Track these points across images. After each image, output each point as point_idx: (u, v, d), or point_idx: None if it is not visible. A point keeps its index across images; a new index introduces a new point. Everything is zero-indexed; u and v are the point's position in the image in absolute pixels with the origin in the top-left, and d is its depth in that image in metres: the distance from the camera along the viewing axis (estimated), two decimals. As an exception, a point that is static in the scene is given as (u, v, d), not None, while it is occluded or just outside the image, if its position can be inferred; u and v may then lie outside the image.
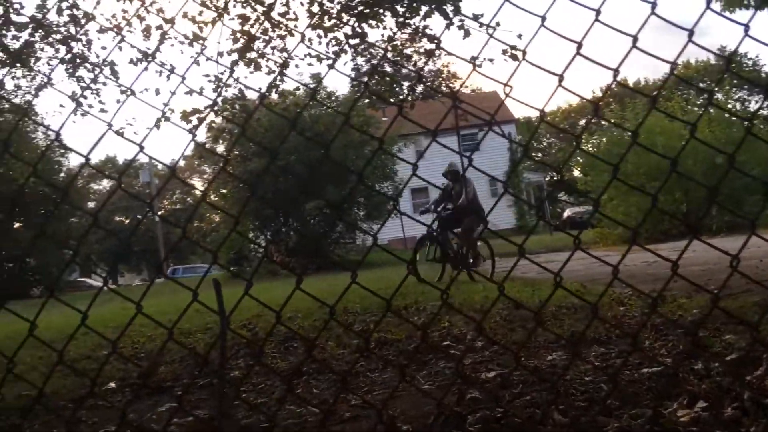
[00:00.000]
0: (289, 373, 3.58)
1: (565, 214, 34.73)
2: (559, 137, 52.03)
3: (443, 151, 1.87)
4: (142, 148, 1.19)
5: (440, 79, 10.48)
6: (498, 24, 6.26)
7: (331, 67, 1.68)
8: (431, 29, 7.25)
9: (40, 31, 7.61)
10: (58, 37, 8.05)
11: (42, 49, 8.47)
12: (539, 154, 52.65)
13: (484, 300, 5.73)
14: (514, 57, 6.70)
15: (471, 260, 9.14)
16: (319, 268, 16.26)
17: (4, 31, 8.18)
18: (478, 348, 3.71)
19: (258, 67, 7.58)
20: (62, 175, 26.13)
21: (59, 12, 7.38)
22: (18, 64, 8.62)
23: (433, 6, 6.75)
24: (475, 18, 6.36)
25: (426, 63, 9.56)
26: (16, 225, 24.98)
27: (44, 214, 23.08)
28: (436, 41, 5.38)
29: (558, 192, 43.24)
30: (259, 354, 2.77)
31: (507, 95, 1.28)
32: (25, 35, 8.06)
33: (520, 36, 6.80)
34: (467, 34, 6.79)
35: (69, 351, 5.55)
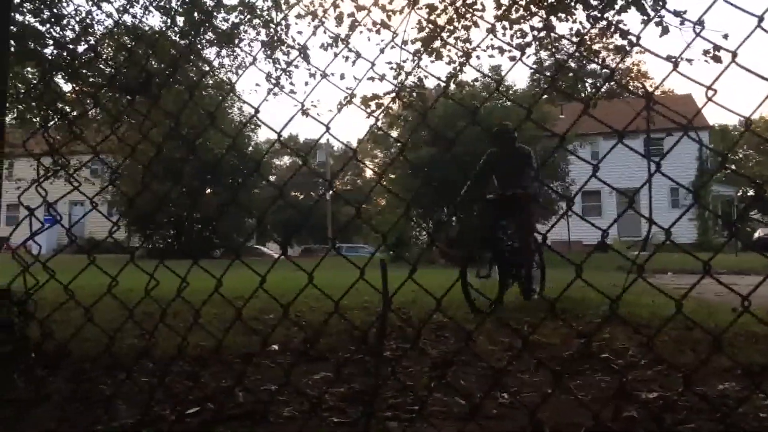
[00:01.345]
0: (440, 361, 3.61)
1: (756, 234, 31.38)
2: (758, 149, 47.02)
3: (620, 154, 1.76)
4: (328, 128, 1.26)
5: (629, 78, 9.91)
6: (702, 22, 5.75)
7: (516, 60, 1.65)
8: (625, 24, 6.87)
9: (246, 14, 8.30)
10: (260, 21, 8.74)
11: (245, 31, 9.26)
12: (732, 166, 48.02)
13: (652, 316, 5.36)
14: (716, 59, 6.14)
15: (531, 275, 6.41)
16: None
17: (215, 13, 9.03)
18: (640, 366, 3.49)
19: (439, 57, 7.67)
20: (250, 149, 28.38)
21: (265, -4, 8.01)
22: (224, 44, 9.48)
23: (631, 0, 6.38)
24: (677, 14, 5.92)
25: (616, 60, 9.06)
26: (207, 191, 27.59)
27: (233, 183, 25.25)
28: (631, 38, 5.07)
29: (751, 209, 39.21)
30: (417, 337, 2.81)
31: (710, 99, 1.18)
32: (232, 18, 8.85)
33: (725, 36, 6.26)
34: (665, 31, 6.34)
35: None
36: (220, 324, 4.71)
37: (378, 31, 7.48)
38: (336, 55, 2.03)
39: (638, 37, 1.26)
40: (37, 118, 12.56)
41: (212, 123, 1.44)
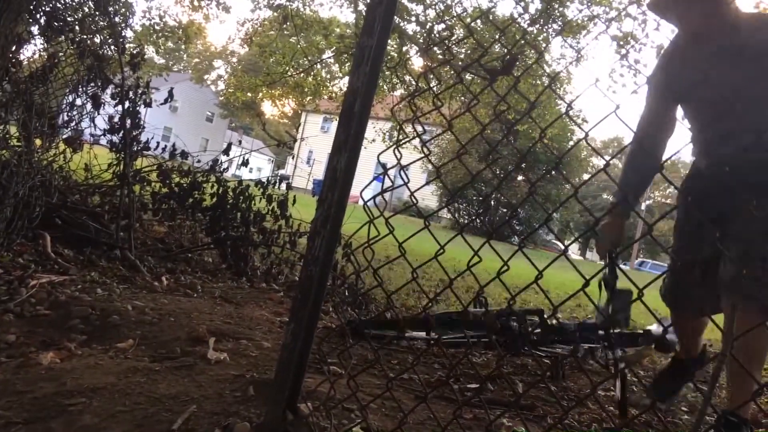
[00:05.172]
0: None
1: None
2: None
3: None
4: None
5: None
6: None
7: None
8: None
9: (603, 5, 8.05)
10: (618, 14, 8.39)
11: (595, 24, 9.00)
12: None
13: None
14: None
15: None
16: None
17: (568, 2, 8.95)
18: None
19: None
20: (571, 142, 27.77)
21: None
22: (571, 35, 9.38)
23: None
24: None
25: None
26: (519, 177, 27.90)
27: (546, 174, 25.11)
28: None
29: None
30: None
31: None
32: (585, 9, 8.66)
33: None
34: None
35: (529, 302, 6.05)
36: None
37: None
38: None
39: None
40: (386, 86, 13.97)
41: (528, 113, 1.43)
